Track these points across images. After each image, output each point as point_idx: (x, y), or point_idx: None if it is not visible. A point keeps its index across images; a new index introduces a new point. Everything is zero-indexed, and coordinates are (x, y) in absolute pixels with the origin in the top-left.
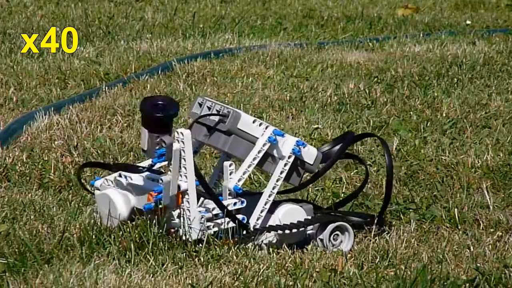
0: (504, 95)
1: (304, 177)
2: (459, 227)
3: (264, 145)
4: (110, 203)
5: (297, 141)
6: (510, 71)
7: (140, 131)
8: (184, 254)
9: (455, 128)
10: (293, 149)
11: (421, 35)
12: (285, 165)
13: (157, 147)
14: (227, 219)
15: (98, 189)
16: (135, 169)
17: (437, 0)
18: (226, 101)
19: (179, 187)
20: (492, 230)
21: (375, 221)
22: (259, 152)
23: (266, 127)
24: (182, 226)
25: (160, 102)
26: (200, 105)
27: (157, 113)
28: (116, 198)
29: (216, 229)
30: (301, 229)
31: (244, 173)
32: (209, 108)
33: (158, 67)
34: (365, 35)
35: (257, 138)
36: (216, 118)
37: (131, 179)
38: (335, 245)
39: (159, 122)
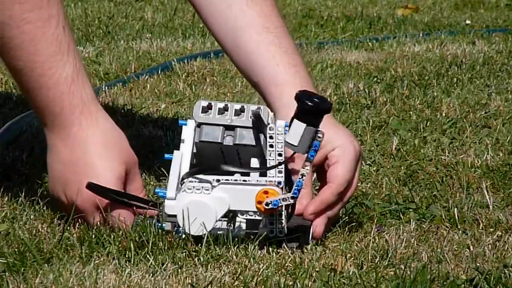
0: (503, 95)
1: None
2: (459, 227)
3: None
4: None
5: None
6: (510, 71)
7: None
8: (184, 253)
9: (454, 127)
10: None
11: (420, 35)
12: None
13: (312, 142)
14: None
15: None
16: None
17: (437, 0)
18: (226, 101)
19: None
20: (491, 229)
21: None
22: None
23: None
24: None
25: (317, 98)
26: (206, 108)
27: (326, 105)
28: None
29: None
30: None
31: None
32: (223, 110)
33: (158, 67)
34: (365, 35)
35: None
36: (237, 116)
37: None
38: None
39: (323, 114)
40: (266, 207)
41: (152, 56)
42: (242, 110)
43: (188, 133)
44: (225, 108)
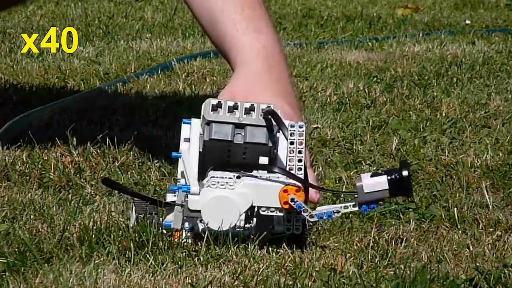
0: (503, 95)
1: None
2: (459, 227)
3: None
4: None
5: None
6: (510, 70)
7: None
8: (184, 253)
9: (454, 127)
10: None
11: (420, 34)
12: None
13: (377, 201)
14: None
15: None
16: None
17: (437, 0)
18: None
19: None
20: (491, 229)
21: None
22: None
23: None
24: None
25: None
26: (215, 107)
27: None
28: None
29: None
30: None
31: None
32: (232, 108)
33: (157, 66)
34: (365, 35)
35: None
36: (247, 114)
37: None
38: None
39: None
40: (291, 203)
41: (152, 56)
42: (252, 108)
43: (194, 131)
44: (235, 107)
